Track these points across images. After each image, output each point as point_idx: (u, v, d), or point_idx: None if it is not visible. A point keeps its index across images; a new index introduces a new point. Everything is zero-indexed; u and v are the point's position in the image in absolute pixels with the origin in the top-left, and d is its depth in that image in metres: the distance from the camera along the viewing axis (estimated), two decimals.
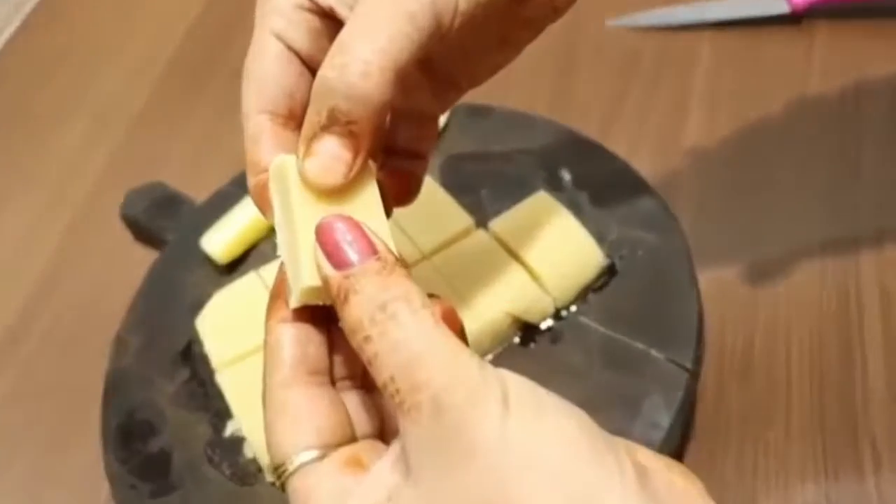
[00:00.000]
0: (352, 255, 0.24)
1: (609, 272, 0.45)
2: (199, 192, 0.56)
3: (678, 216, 0.47)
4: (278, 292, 0.27)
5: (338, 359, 0.27)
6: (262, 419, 0.40)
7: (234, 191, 0.53)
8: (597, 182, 0.49)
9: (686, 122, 0.56)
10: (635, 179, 0.48)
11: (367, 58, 0.25)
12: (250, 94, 0.28)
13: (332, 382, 0.27)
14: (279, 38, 0.28)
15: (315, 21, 0.28)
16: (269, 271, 0.46)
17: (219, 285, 0.48)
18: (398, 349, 0.22)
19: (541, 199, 0.47)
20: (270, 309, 0.27)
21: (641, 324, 0.42)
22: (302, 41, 0.28)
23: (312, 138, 0.26)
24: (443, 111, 0.34)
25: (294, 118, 0.28)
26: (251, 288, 0.46)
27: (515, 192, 0.48)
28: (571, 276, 0.44)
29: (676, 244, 0.45)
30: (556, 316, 0.44)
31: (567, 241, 0.44)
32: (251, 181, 0.28)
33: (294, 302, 0.26)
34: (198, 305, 0.47)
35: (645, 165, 0.51)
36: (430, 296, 0.26)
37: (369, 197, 0.27)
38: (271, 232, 0.51)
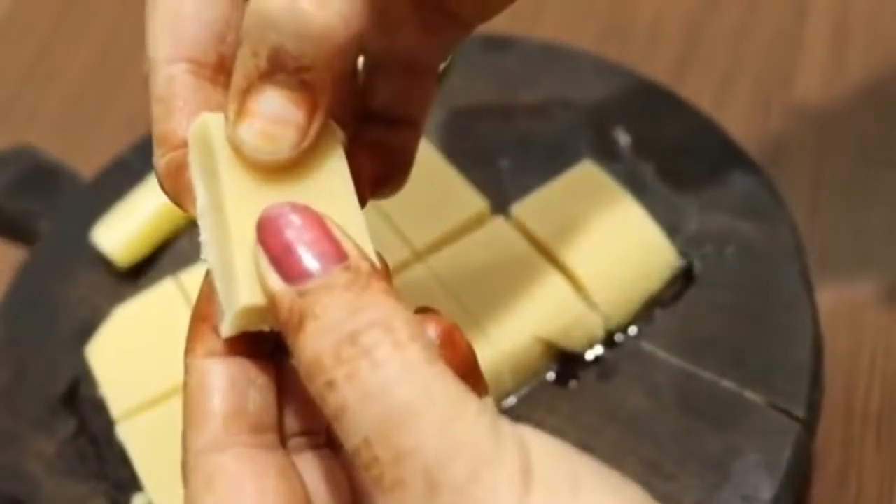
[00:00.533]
0: (309, 261, 0.25)
1: (685, 278, 0.47)
2: (86, 162, 0.57)
3: (787, 199, 0.48)
4: (203, 313, 0.28)
5: (291, 407, 0.28)
6: (182, 492, 0.42)
7: (138, 160, 0.55)
8: (668, 148, 0.50)
9: (800, 60, 0.58)
10: (724, 144, 0.50)
11: None
12: (159, 33, 0.29)
13: (283, 441, 0.28)
14: None
15: None
16: (191, 277, 0.48)
17: (119, 298, 0.49)
18: (374, 400, 0.23)
19: (586, 172, 0.48)
20: (192, 337, 0.27)
21: (731, 353, 0.44)
22: None
23: (248, 91, 0.26)
24: (442, 58, 0.35)
25: (225, 69, 0.29)
26: (166, 301, 0.48)
27: (549, 162, 0.49)
28: (630, 283, 0.45)
29: (783, 239, 0.46)
30: (608, 341, 0.45)
31: (624, 232, 0.46)
32: (160, 161, 0.29)
33: (227, 327, 0.26)
34: (88, 327, 0.48)
35: (738, 124, 0.53)
36: (422, 310, 0.27)
37: (334, 176, 0.28)
38: (195, 223, 0.52)
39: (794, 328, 0.44)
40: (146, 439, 0.44)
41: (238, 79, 0.26)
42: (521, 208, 0.47)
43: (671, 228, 0.47)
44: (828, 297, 0.48)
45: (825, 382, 0.44)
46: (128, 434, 0.45)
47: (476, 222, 0.47)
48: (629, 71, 0.53)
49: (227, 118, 0.27)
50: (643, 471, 0.41)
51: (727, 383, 0.43)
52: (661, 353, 0.45)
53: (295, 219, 0.25)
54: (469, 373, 0.27)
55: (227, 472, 0.25)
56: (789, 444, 0.41)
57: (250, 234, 0.26)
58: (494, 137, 0.52)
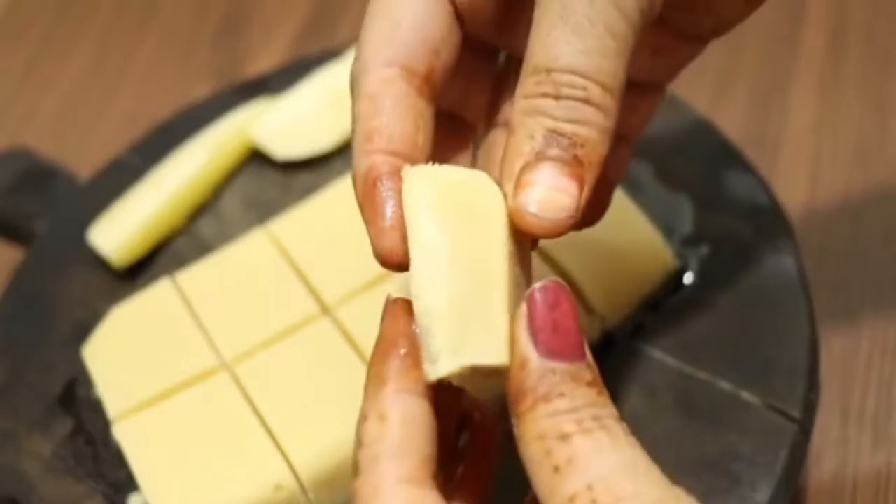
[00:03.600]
0: (566, 345, 0.27)
1: (681, 279, 0.47)
2: (82, 163, 0.58)
3: (783, 200, 0.48)
4: (396, 344, 0.29)
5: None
6: (179, 490, 0.42)
7: (135, 160, 0.55)
8: (665, 149, 0.50)
9: (797, 63, 0.58)
10: (721, 145, 0.50)
11: (582, 82, 0.28)
12: (377, 38, 0.31)
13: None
14: None
15: None
16: (187, 277, 0.48)
17: (115, 298, 0.50)
18: (606, 453, 0.26)
19: None
20: (396, 371, 0.29)
21: (727, 353, 0.44)
22: None
23: (524, 168, 0.29)
24: (672, 77, 0.37)
25: (432, 82, 0.31)
26: (163, 301, 0.48)
27: None
28: (626, 284, 0.46)
29: (779, 240, 0.47)
30: (605, 342, 0.46)
31: (620, 233, 0.46)
32: (362, 161, 0.30)
33: (436, 371, 0.28)
34: (85, 328, 0.49)
35: (735, 124, 0.53)
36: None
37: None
38: (192, 221, 0.53)
39: (791, 329, 0.44)
40: (142, 439, 0.44)
41: (513, 158, 0.29)
42: None
43: (667, 229, 0.47)
44: (824, 298, 0.48)
45: (821, 383, 0.44)
46: (124, 434, 0.45)
47: None
48: None
49: (505, 196, 0.29)
50: None
51: (724, 384, 0.44)
52: (658, 354, 0.45)
53: (565, 302, 0.28)
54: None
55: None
56: (785, 445, 0.42)
57: (505, 296, 0.28)
58: None
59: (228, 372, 0.45)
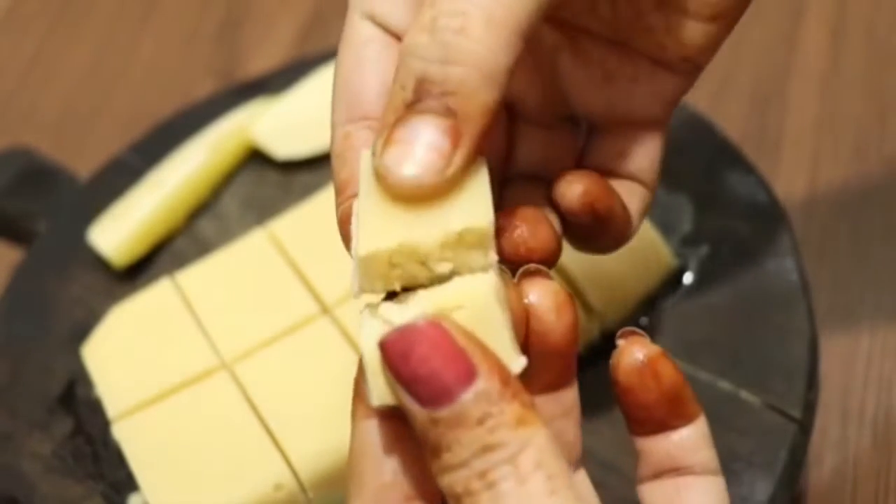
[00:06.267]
0: (439, 389, 0.24)
1: (680, 279, 0.47)
2: (82, 162, 0.58)
3: (782, 199, 0.49)
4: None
5: None
6: (178, 490, 0.42)
7: (134, 160, 0.55)
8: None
9: (796, 61, 0.58)
10: (720, 144, 0.50)
11: (460, 7, 0.26)
12: (337, 99, 0.30)
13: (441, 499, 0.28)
14: (373, 19, 0.30)
15: None
16: (187, 277, 0.49)
17: (115, 298, 0.50)
18: None
19: None
20: (356, 395, 0.28)
21: (727, 353, 0.44)
22: (404, 18, 0.30)
23: (395, 123, 0.26)
24: (663, 112, 0.34)
25: None
26: (162, 301, 0.48)
27: None
28: (625, 284, 0.46)
29: (779, 239, 0.47)
30: (604, 342, 0.46)
31: None
32: (339, 211, 0.30)
33: (374, 399, 0.26)
34: (84, 327, 0.49)
35: (735, 124, 0.53)
36: (629, 333, 0.28)
37: (474, 223, 0.26)
38: (191, 221, 0.53)
39: (790, 328, 0.44)
40: (142, 439, 0.45)
41: (387, 114, 0.27)
42: None
43: (667, 229, 0.47)
44: (824, 297, 0.48)
45: (821, 382, 0.44)
46: (124, 434, 0.45)
47: None
48: None
49: (374, 152, 0.27)
50: None
51: (723, 384, 0.44)
52: None
53: (419, 342, 0.25)
54: (674, 401, 0.29)
55: None
56: (785, 445, 0.42)
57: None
58: None
59: (228, 372, 0.45)
